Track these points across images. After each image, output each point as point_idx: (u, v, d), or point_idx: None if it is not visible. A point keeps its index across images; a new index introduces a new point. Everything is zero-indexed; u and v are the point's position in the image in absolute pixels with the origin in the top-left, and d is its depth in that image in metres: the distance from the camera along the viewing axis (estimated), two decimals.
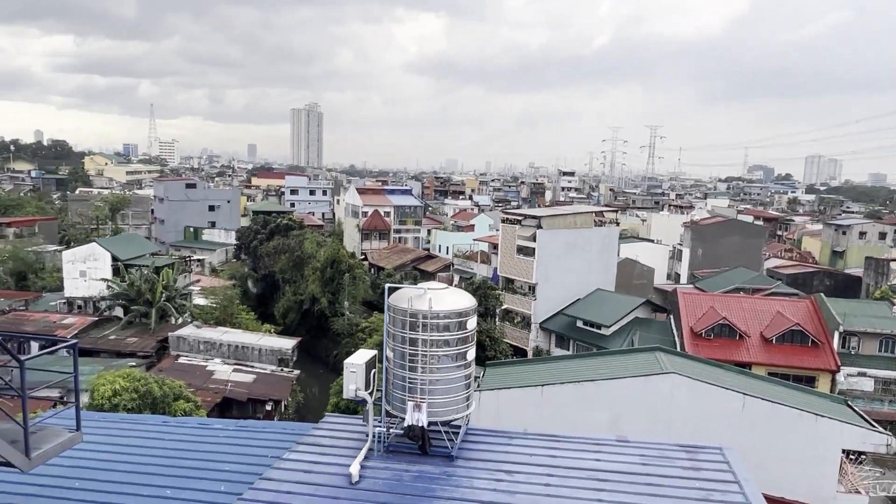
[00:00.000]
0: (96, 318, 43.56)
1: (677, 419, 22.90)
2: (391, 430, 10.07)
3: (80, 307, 47.28)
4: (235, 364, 39.66)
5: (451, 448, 9.90)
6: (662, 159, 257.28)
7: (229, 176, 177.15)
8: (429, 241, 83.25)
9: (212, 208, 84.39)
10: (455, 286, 52.81)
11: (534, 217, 51.48)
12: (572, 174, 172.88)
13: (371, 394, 10.22)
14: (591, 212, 54.92)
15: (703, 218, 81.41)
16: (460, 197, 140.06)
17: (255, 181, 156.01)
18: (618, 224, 57.12)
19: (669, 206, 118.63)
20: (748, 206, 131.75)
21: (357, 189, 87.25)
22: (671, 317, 46.72)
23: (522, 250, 50.94)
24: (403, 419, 9.74)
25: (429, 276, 63.61)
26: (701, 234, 69.65)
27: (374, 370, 10.36)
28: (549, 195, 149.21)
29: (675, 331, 44.03)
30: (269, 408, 36.13)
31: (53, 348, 7.82)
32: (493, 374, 27.89)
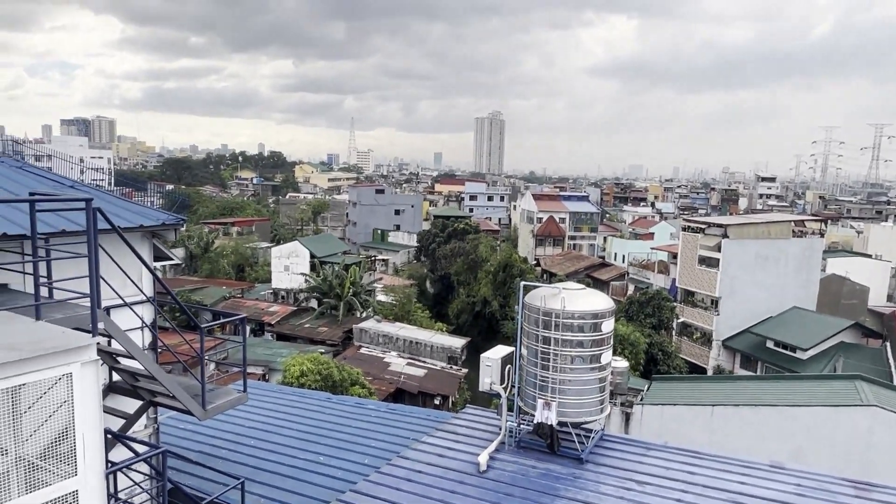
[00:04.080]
0: (295, 308, 49.10)
1: (877, 462, 19.78)
2: (522, 426, 10.26)
3: (283, 297, 53.66)
4: (409, 358, 42.18)
5: (581, 451, 9.80)
6: (890, 163, 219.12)
7: (415, 182, 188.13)
8: (604, 249, 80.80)
9: (397, 212, 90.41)
10: (629, 296, 50.70)
11: (719, 226, 47.63)
12: (773, 180, 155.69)
13: (506, 389, 10.49)
14: (789, 221, 49.31)
15: None
16: (641, 204, 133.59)
17: (437, 187, 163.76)
18: (822, 235, 50.55)
19: None
20: None
21: (533, 195, 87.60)
22: (887, 344, 40.27)
23: (705, 261, 47.39)
24: (534, 416, 9.88)
25: (602, 284, 61.84)
26: None
27: (509, 366, 10.63)
28: (743, 203, 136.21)
29: (891, 360, 37.88)
30: (437, 402, 37.86)
31: (226, 320, 9.31)
32: (659, 388, 26.43)
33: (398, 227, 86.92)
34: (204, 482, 9.94)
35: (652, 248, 64.24)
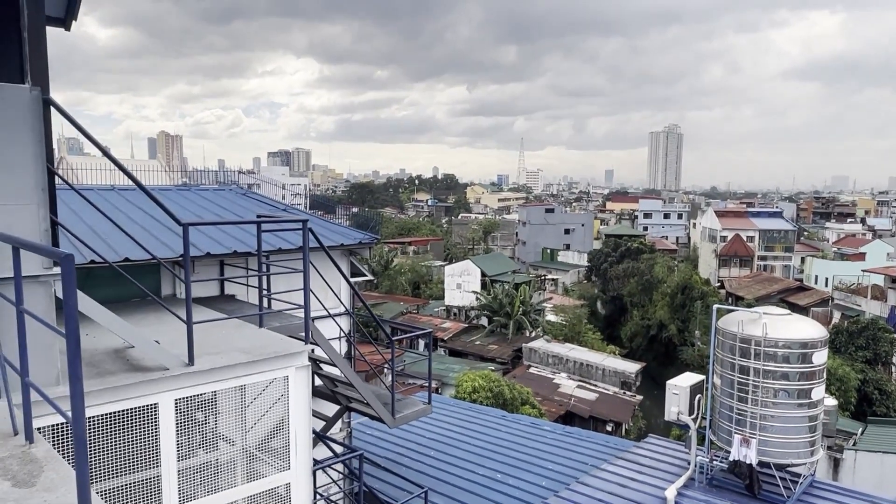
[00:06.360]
0: (466, 325, 50.38)
1: None
2: (715, 462, 9.42)
3: (455, 314, 55.37)
4: (579, 380, 41.07)
5: (787, 497, 8.73)
6: None
7: (585, 201, 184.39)
8: (802, 271, 72.26)
9: (567, 231, 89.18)
10: (835, 324, 44.94)
11: None
12: None
13: (695, 420, 9.74)
14: None
15: None
16: (848, 220, 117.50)
17: (609, 205, 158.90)
18: None
19: None
20: None
21: (715, 212, 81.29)
22: None
23: None
24: (729, 452, 9.02)
25: (800, 309, 55.24)
26: None
27: (699, 395, 9.86)
28: None
29: None
30: (609, 428, 36.33)
31: (413, 334, 9.78)
32: (877, 433, 22.86)
33: (568, 247, 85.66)
34: (388, 486, 10.50)
35: (864, 271, 56.22)
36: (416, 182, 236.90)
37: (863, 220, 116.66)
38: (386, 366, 8.89)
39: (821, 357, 8.76)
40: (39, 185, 4.60)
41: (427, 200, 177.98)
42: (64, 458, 3.72)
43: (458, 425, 13.03)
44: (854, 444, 20.82)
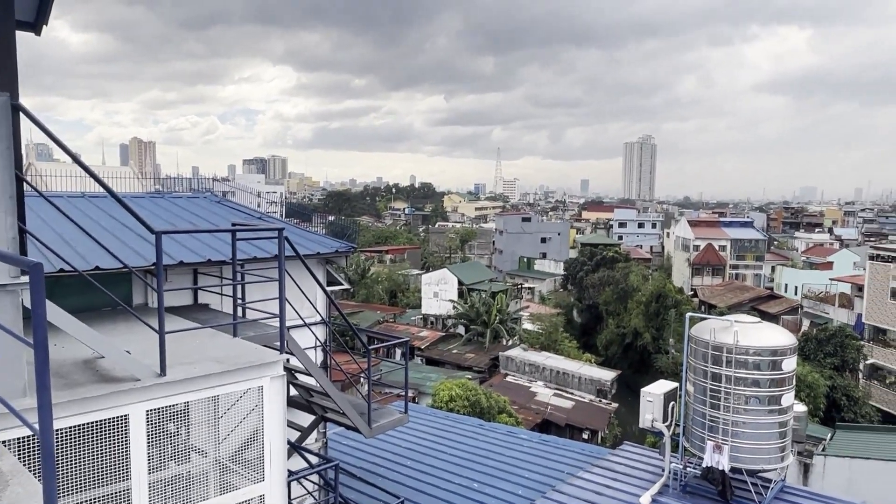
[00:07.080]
0: (443, 334, 50.31)
1: None
2: (688, 469, 9.54)
3: (432, 323, 55.28)
4: (556, 389, 41.25)
5: (759, 502, 8.87)
6: None
7: (561, 210, 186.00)
8: (772, 280, 73.80)
9: (543, 240, 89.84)
10: (804, 331, 45.81)
11: None
12: None
13: (669, 427, 9.86)
14: None
15: None
16: (816, 230, 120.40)
17: (585, 214, 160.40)
18: None
19: None
20: None
21: (688, 221, 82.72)
22: None
23: None
24: (702, 459, 9.15)
25: (771, 317, 56.39)
26: None
27: (673, 403, 9.98)
28: None
29: None
30: (585, 436, 36.52)
31: (389, 343, 9.77)
32: (845, 438, 23.35)
33: (544, 255, 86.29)
34: (364, 497, 10.40)
35: (831, 279, 57.60)
36: (394, 190, 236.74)
37: (830, 230, 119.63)
38: (362, 375, 8.86)
39: (790, 364, 8.96)
40: (7, 192, 4.51)
41: (404, 209, 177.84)
42: (30, 471, 3.62)
43: (435, 435, 12.99)
44: (823, 450, 21.24)
